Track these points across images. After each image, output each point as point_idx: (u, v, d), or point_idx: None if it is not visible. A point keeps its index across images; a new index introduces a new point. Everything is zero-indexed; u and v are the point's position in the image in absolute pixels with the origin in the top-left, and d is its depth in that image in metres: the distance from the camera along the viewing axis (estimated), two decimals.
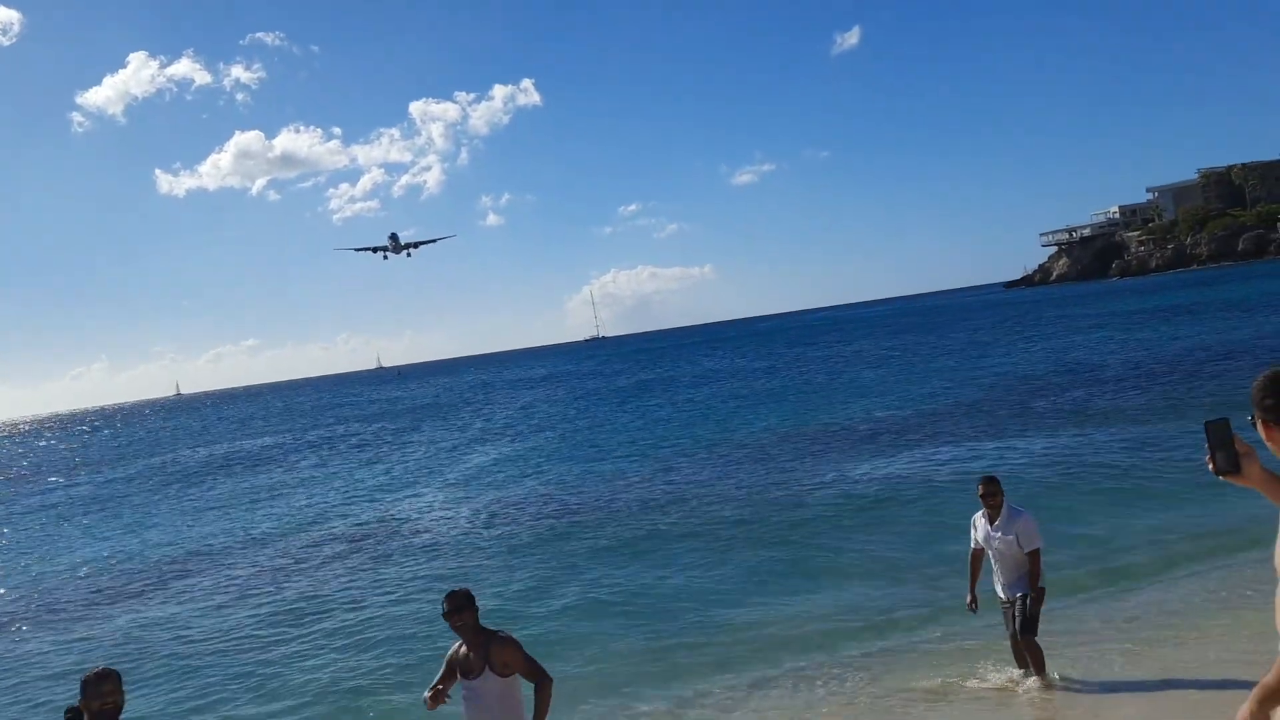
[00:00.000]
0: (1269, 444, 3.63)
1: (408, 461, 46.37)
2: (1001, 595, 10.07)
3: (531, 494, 30.92)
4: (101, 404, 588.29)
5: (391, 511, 31.69)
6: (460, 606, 6.29)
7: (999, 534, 9.72)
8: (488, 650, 6.24)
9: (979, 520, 10.03)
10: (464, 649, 6.37)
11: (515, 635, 6.48)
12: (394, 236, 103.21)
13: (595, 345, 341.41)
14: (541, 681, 6.29)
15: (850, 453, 30.17)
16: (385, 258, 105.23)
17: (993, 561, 9.99)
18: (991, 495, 9.74)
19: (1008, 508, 9.76)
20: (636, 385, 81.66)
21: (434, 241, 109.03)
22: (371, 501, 34.82)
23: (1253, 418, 3.57)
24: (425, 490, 36.07)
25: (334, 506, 34.58)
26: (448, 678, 6.47)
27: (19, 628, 21.94)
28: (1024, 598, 9.63)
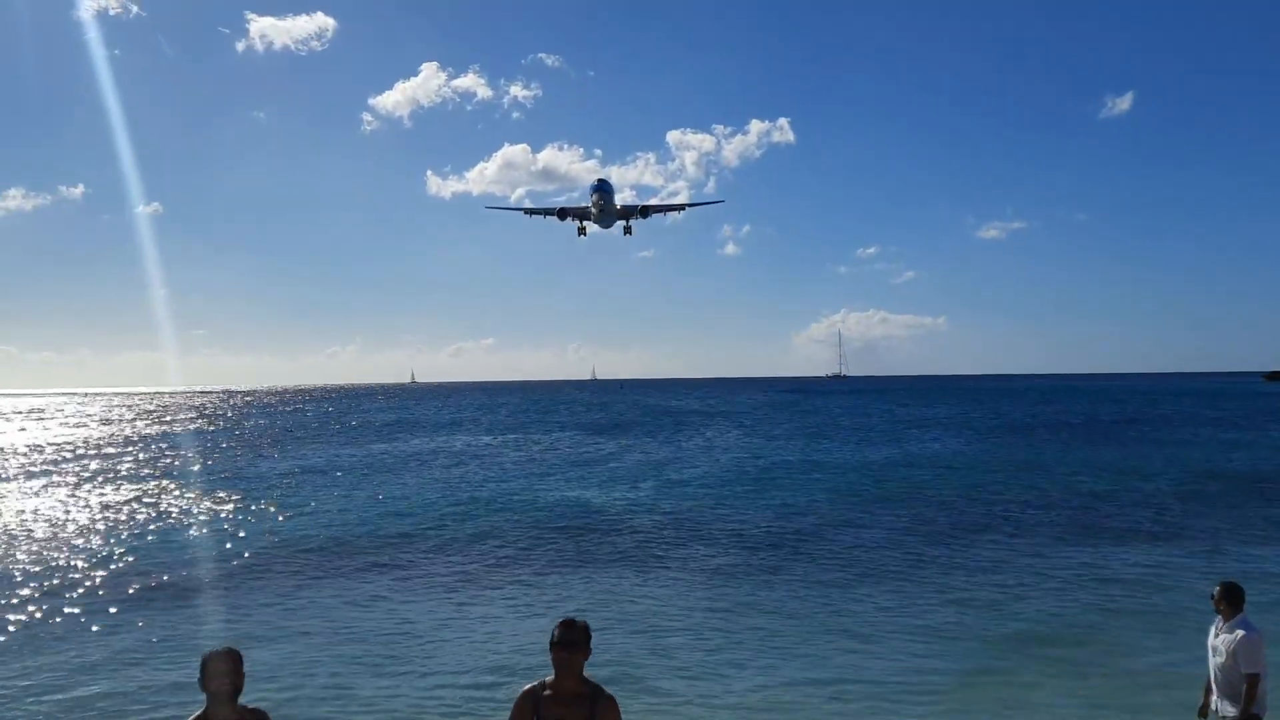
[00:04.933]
0: None
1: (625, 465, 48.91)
2: (1216, 710, 9.50)
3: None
4: (347, 382, 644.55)
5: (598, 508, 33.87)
6: (577, 642, 5.40)
7: (1221, 645, 9.27)
8: (593, 709, 5.33)
9: (1213, 627, 9.60)
10: (553, 693, 5.37)
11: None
12: (602, 190, 71.31)
13: (837, 382, 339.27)
14: None
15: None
16: (581, 231, 75.47)
17: (1213, 673, 9.52)
18: (1226, 603, 9.24)
19: (1241, 620, 9.15)
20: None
21: (678, 209, 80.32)
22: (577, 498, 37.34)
23: None
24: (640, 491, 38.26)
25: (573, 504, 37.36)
26: None
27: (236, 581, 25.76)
28: None
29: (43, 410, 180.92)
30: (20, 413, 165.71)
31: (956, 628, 17.96)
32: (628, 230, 76.77)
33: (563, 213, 74.18)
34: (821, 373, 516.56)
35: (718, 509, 34.23)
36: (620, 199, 75.56)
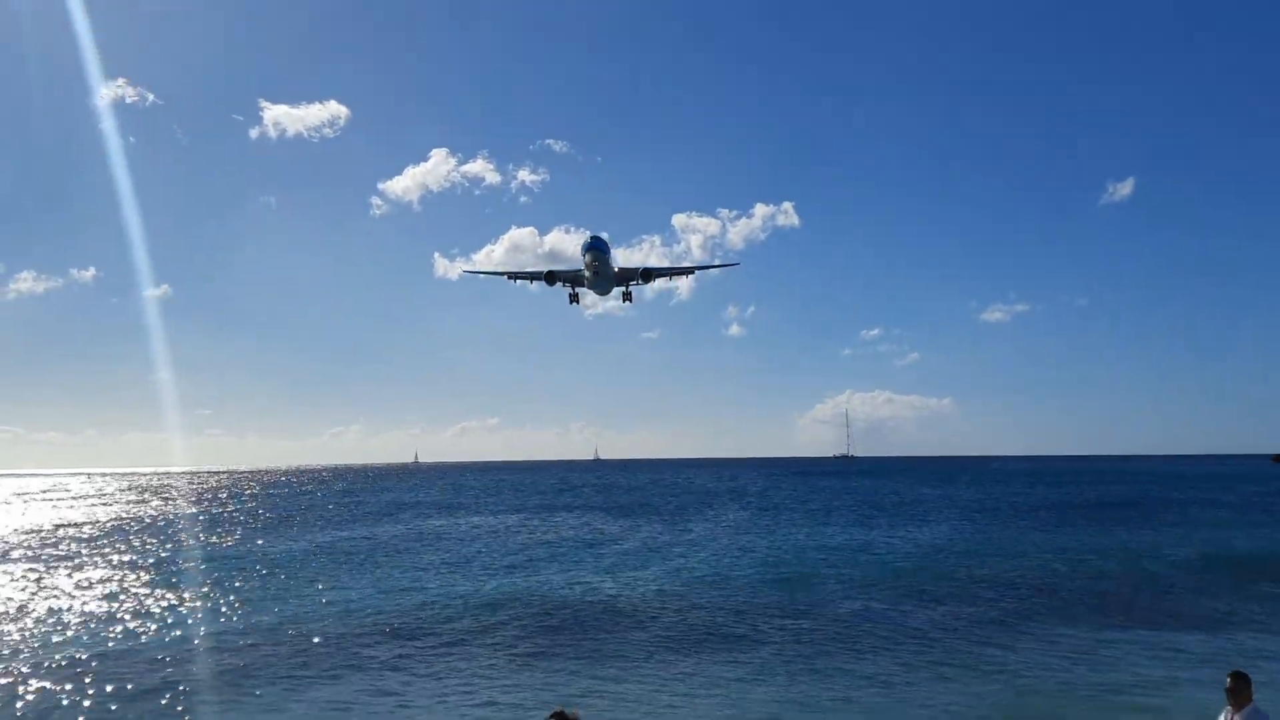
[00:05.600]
0: None
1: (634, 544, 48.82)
2: None
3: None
4: (350, 462, 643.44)
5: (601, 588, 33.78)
6: None
7: None
8: None
9: (1222, 715, 9.66)
10: None
11: None
12: (596, 248, 63.19)
13: (845, 462, 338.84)
14: None
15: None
16: (573, 298, 67.95)
17: None
18: (1236, 692, 9.33)
19: (1251, 710, 9.21)
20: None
21: (686, 272, 72.65)
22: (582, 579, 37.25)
23: None
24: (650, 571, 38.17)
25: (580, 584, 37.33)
26: None
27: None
28: None
29: (47, 491, 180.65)
30: (24, 495, 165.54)
31: (966, 713, 18.07)
32: (627, 296, 69.13)
33: (551, 277, 67.06)
34: (828, 453, 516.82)
35: (724, 595, 34.27)
36: (622, 260, 67.94)
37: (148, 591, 37.43)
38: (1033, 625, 27.03)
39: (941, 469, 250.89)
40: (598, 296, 70.08)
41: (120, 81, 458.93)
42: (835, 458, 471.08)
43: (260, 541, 60.43)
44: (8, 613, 32.11)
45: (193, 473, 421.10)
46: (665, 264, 72.87)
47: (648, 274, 66.83)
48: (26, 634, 28.74)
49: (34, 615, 32.20)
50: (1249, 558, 43.23)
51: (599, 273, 63.03)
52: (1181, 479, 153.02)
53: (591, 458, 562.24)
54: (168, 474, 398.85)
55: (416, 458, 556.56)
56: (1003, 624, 27.23)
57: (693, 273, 73.92)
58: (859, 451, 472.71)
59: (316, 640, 27.52)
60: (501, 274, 69.75)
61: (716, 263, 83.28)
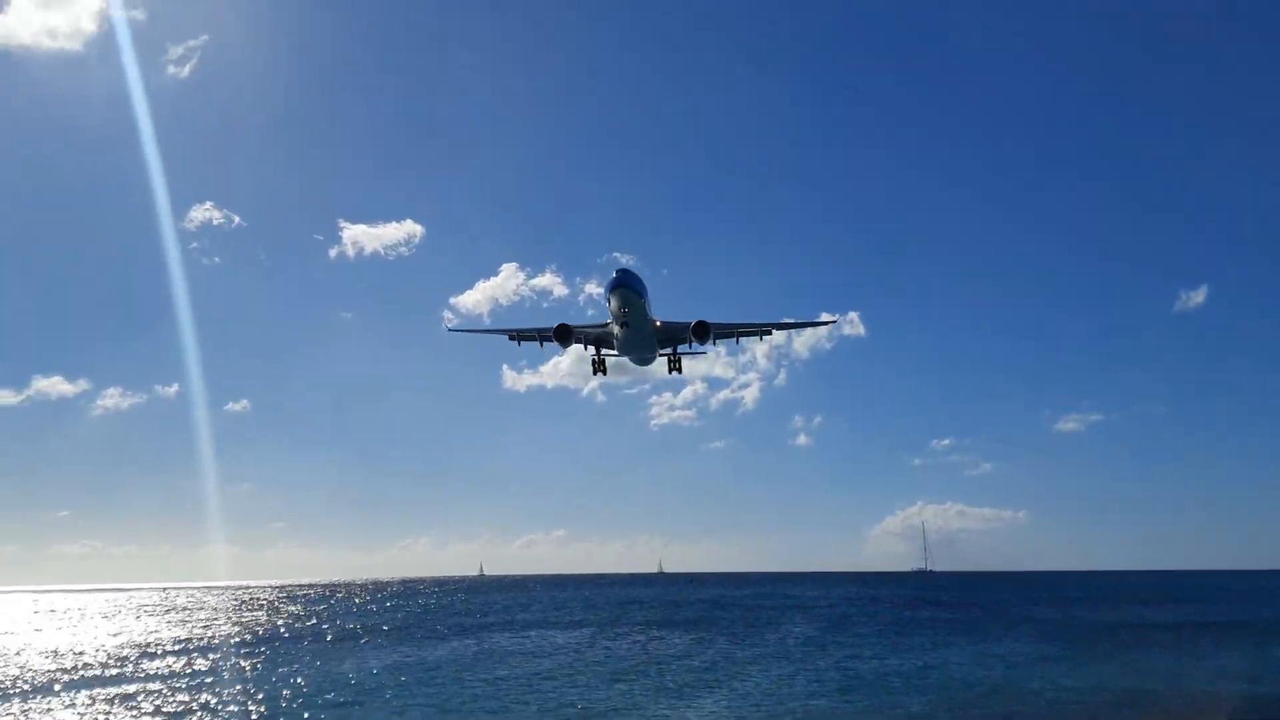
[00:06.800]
0: None
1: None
2: None
3: None
4: (418, 575, 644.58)
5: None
6: None
7: None
8: None
9: None
10: None
11: None
12: (624, 285, 47.93)
13: (923, 578, 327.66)
14: None
15: None
16: (598, 366, 53.12)
17: None
18: None
19: None
20: None
21: (760, 330, 56.31)
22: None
23: None
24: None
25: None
26: None
27: None
28: None
29: (128, 605, 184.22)
30: (107, 614, 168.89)
31: None
32: (675, 365, 53.72)
33: (565, 333, 52.25)
34: (901, 567, 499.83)
35: None
36: (669, 313, 51.35)
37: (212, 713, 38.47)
38: None
39: (1025, 585, 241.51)
40: (636, 367, 53.59)
41: (208, 205, 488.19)
42: (913, 572, 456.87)
43: (330, 660, 61.17)
44: None
45: (264, 586, 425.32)
46: (733, 321, 55.57)
47: (703, 330, 51.76)
48: None
49: None
50: None
51: (630, 324, 48.21)
52: (1275, 596, 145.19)
53: (656, 570, 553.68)
54: (245, 587, 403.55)
55: (482, 570, 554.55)
56: None
57: (768, 333, 56.13)
58: (937, 565, 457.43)
59: None
60: (499, 331, 56.84)
61: (798, 320, 62.03)
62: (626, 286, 45.36)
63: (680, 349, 50.70)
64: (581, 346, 51.35)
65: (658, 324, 48.04)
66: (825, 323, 71.89)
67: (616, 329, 47.33)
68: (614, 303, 45.65)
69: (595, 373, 51.49)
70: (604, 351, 51.28)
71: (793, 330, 60.77)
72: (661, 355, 50.44)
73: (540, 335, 52.93)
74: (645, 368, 51.56)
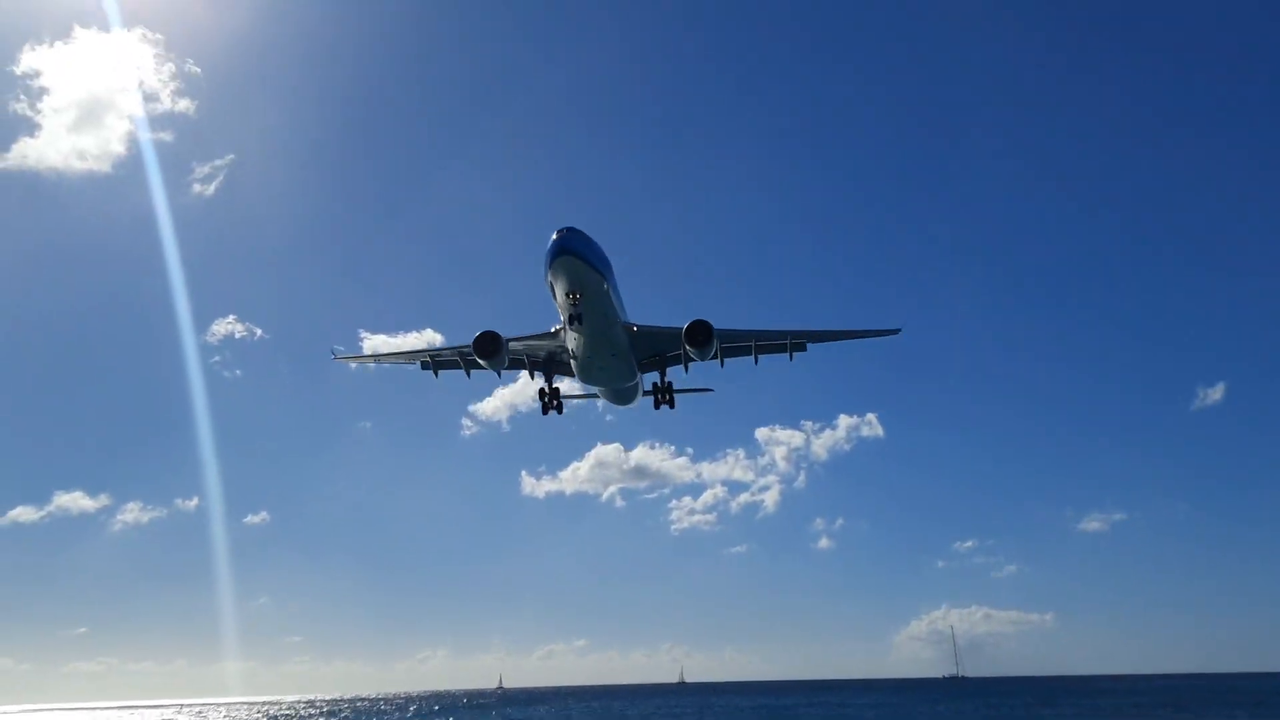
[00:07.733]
0: None
1: None
2: None
3: None
4: (435, 688, 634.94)
5: None
6: None
7: None
8: None
9: None
10: None
11: None
12: (566, 249, 35.18)
13: (955, 685, 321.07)
14: None
15: None
16: (547, 398, 37.26)
17: None
18: None
19: None
20: None
21: (778, 346, 46.42)
22: None
23: None
24: None
25: None
26: None
27: None
28: None
29: None
30: None
31: None
32: (664, 397, 39.92)
33: (491, 346, 36.48)
34: (930, 673, 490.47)
35: None
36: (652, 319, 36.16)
37: None
38: None
39: (1061, 692, 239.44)
40: (611, 404, 38.08)
41: (230, 318, 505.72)
42: (944, 679, 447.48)
43: None
44: None
45: (278, 703, 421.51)
46: (749, 328, 40.97)
47: (702, 334, 36.58)
48: None
49: None
50: None
51: (586, 321, 32.33)
52: None
53: (677, 680, 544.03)
54: (261, 703, 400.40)
55: (501, 683, 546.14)
56: None
57: (801, 348, 43.04)
58: (946, 671, 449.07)
59: None
60: (403, 357, 43.74)
61: (844, 329, 49.25)
62: (571, 252, 29.13)
63: (672, 372, 33.73)
64: (527, 373, 35.25)
65: (633, 329, 32.81)
66: (888, 331, 53.88)
67: (570, 336, 31.37)
68: (558, 285, 29.36)
69: (546, 410, 34.04)
70: (558, 378, 35.01)
71: (840, 340, 42.22)
72: (646, 379, 31.96)
73: (462, 357, 37.93)
74: (625, 405, 34.61)
